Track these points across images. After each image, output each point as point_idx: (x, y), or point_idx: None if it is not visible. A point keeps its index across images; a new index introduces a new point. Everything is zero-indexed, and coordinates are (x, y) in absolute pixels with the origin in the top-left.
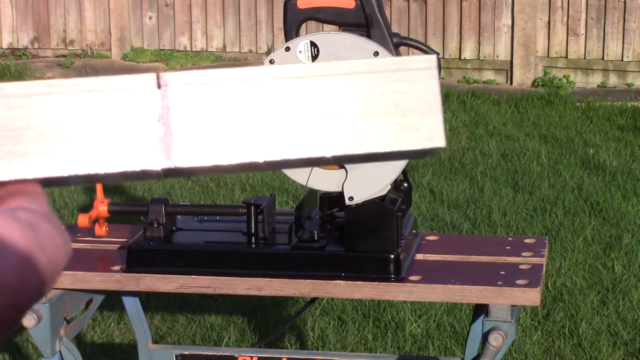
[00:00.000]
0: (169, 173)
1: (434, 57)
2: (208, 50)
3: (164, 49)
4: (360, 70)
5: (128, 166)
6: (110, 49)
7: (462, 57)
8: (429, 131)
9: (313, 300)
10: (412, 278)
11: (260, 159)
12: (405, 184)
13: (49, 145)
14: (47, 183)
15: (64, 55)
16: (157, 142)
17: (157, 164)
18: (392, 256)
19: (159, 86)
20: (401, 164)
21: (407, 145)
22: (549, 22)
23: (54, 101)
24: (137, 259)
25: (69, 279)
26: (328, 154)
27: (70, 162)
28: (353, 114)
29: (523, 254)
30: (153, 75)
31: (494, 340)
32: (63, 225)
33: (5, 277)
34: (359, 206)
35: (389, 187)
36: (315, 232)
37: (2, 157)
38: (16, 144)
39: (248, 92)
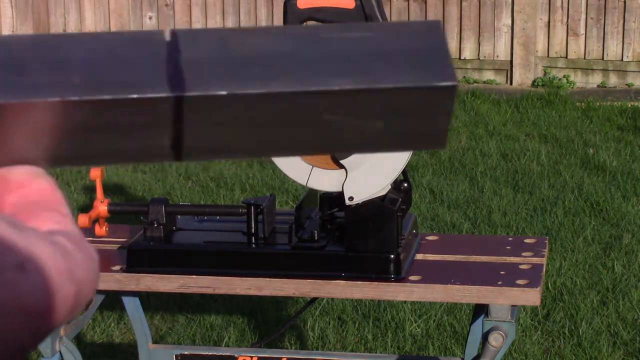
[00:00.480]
0: (180, 101)
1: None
2: None
3: None
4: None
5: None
6: None
7: (462, 57)
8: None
9: (313, 300)
10: (412, 278)
11: (278, 88)
12: (405, 184)
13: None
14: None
15: None
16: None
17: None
18: (392, 256)
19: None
20: (401, 164)
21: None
22: (549, 22)
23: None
24: (137, 259)
25: None
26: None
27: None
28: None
29: (523, 254)
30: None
31: (494, 340)
32: (93, 251)
33: (32, 299)
34: (359, 206)
35: (389, 187)
36: (315, 232)
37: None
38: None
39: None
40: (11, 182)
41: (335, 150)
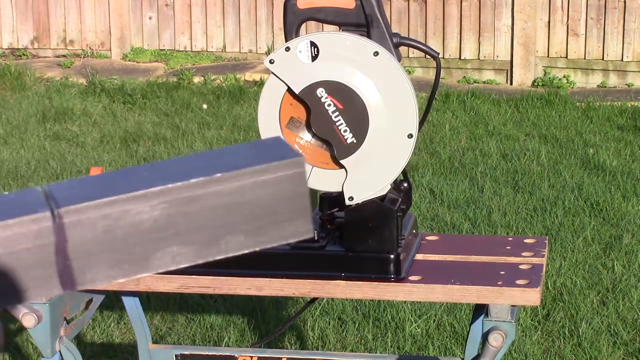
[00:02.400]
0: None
1: (301, 159)
2: (208, 50)
3: (164, 49)
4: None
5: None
6: (110, 49)
7: (462, 57)
8: (297, 229)
9: (313, 300)
10: (412, 278)
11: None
12: (405, 184)
13: None
14: None
15: (64, 55)
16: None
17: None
18: (392, 256)
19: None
20: (401, 164)
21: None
22: (549, 22)
23: None
24: None
25: None
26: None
27: None
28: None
29: (523, 254)
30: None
31: (494, 340)
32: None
33: None
34: (359, 206)
35: (389, 187)
36: (315, 232)
37: None
38: None
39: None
40: None
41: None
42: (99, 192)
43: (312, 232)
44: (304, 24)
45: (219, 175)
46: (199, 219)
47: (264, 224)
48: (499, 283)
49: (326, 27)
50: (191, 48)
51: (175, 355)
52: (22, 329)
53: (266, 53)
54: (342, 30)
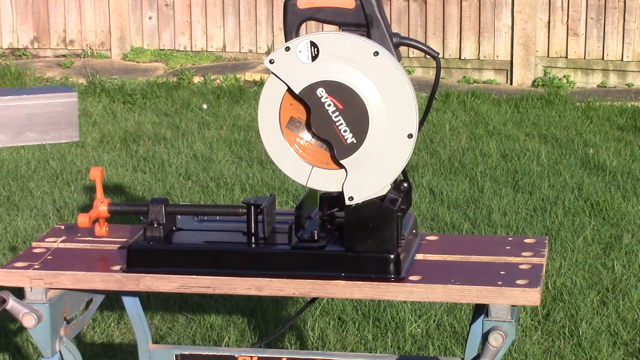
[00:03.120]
0: None
1: (74, 93)
2: (208, 50)
3: (164, 49)
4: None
5: None
6: (110, 49)
7: (462, 57)
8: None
9: (313, 300)
10: (412, 278)
11: None
12: (405, 184)
13: None
14: None
15: (64, 55)
16: None
17: None
18: (392, 256)
19: None
20: (401, 164)
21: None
22: (549, 22)
23: None
24: (137, 259)
25: (69, 279)
26: None
27: None
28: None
29: (523, 254)
30: None
31: (494, 340)
32: None
33: None
34: (359, 206)
35: (389, 187)
36: (315, 232)
37: None
38: None
39: None
40: None
41: None
42: None
43: (78, 137)
44: (304, 24)
45: (24, 96)
46: (11, 120)
47: (49, 128)
48: (499, 283)
49: (326, 27)
50: (191, 48)
51: (175, 355)
52: (22, 329)
53: (266, 53)
54: (342, 30)
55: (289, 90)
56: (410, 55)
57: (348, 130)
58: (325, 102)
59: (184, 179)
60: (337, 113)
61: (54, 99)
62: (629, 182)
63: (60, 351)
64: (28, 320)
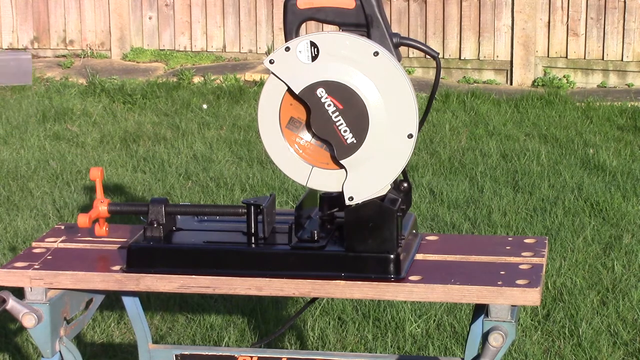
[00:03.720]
0: None
1: (29, 57)
2: (208, 50)
3: (164, 49)
4: None
5: None
6: (110, 49)
7: (462, 57)
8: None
9: (313, 300)
10: (412, 278)
11: None
12: (405, 184)
13: None
14: None
15: (64, 56)
16: None
17: None
18: (392, 256)
19: None
20: (401, 164)
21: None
22: (549, 22)
23: None
24: (137, 259)
25: (69, 279)
26: None
27: None
28: None
29: (523, 254)
30: None
31: (494, 340)
32: None
33: None
34: (359, 206)
35: (389, 187)
36: (315, 232)
37: None
38: None
39: None
40: None
41: None
42: None
43: (31, 82)
44: (304, 24)
45: None
46: None
47: (11, 79)
48: (499, 283)
49: (326, 27)
50: (191, 48)
51: (175, 355)
52: (22, 329)
53: (266, 53)
54: (342, 30)
55: (289, 90)
56: (410, 55)
57: (348, 131)
58: (325, 102)
59: (184, 179)
60: (337, 113)
61: (9, 55)
62: (629, 182)
63: (60, 351)
64: (28, 320)
